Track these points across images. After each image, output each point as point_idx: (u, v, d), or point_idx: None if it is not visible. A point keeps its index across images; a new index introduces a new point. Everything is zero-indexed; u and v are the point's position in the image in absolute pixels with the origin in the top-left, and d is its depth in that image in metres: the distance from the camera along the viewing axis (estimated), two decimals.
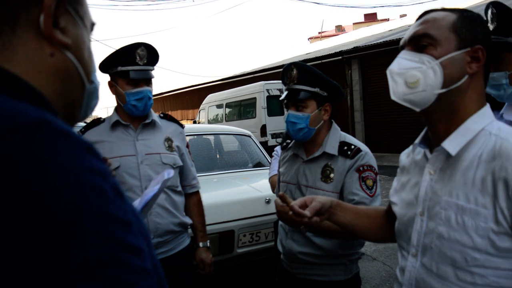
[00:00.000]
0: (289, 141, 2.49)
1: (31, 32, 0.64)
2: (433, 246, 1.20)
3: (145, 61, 2.48)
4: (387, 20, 47.92)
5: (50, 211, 0.48)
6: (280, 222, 2.42)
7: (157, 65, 2.63)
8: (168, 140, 2.60)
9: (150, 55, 2.52)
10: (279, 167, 2.54)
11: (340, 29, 67.40)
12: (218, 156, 5.59)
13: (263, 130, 12.22)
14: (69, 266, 0.48)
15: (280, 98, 2.32)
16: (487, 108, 1.25)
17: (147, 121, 2.56)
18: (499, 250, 1.09)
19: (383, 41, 14.02)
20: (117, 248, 0.52)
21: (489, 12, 1.91)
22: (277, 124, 12.09)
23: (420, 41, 1.23)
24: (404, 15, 35.88)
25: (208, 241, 2.76)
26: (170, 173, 1.49)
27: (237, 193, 4.23)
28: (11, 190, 0.47)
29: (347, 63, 14.58)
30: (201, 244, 2.72)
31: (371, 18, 64.52)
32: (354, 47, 14.63)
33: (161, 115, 2.74)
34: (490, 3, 1.91)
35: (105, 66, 2.51)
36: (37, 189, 0.48)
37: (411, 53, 1.25)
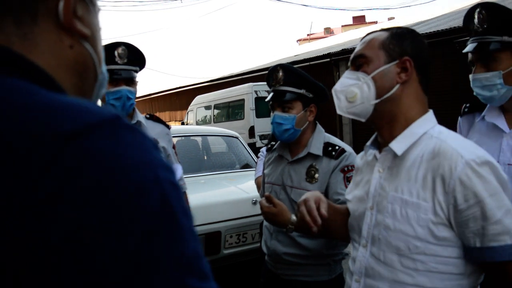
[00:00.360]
0: (274, 142, 2.50)
1: (50, 22, 0.61)
2: (381, 236, 1.34)
3: (125, 61, 2.45)
4: (375, 22, 48.25)
5: (147, 210, 0.47)
6: (264, 223, 2.42)
7: (145, 66, 2.61)
8: (154, 141, 2.59)
9: (132, 54, 2.49)
10: (264, 169, 2.54)
11: (328, 31, 67.67)
12: (205, 158, 5.59)
13: (252, 131, 12.22)
14: (177, 263, 0.48)
15: (266, 100, 2.33)
16: (430, 114, 1.41)
17: (132, 122, 2.53)
18: (438, 239, 1.24)
19: None
20: (198, 242, 0.53)
21: (477, 14, 1.95)
22: (266, 125, 12.08)
23: (357, 61, 1.42)
24: (392, 18, 36.12)
25: None
26: (178, 168, 1.45)
27: (224, 194, 4.24)
28: (101, 189, 0.45)
29: (335, 65, 14.63)
30: None
31: (359, 20, 64.84)
32: (343, 49, 14.68)
33: (147, 116, 2.72)
34: (478, 4, 1.95)
35: None
36: (130, 188, 0.47)
37: (351, 72, 1.43)
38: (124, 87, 2.44)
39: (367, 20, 65.36)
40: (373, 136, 1.51)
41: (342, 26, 67.18)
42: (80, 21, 0.64)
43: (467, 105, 2.20)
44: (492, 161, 1.22)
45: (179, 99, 24.59)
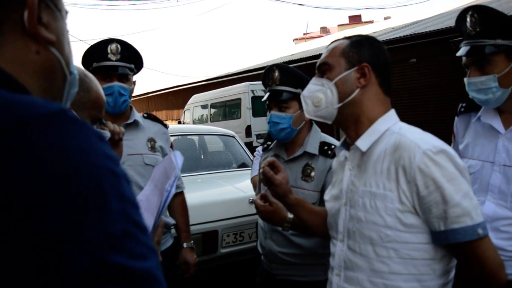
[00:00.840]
0: (270, 142, 2.51)
1: (16, 31, 0.65)
2: (355, 229, 1.44)
3: (118, 57, 2.45)
4: (372, 22, 48.32)
5: (76, 190, 0.51)
6: (259, 223, 2.43)
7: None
8: (151, 140, 2.58)
9: (125, 51, 2.48)
10: (260, 168, 2.55)
11: (325, 30, 67.73)
12: (202, 157, 5.59)
13: (248, 130, 12.21)
14: (99, 239, 0.51)
15: (263, 99, 2.34)
16: (391, 113, 1.52)
17: (129, 121, 2.53)
18: (406, 226, 1.33)
19: None
20: (132, 225, 0.56)
21: (469, 17, 1.95)
22: (262, 124, 12.08)
23: (321, 68, 1.55)
24: (388, 18, 36.17)
25: (192, 241, 2.75)
26: (176, 155, 1.41)
27: (221, 194, 4.25)
28: (38, 173, 0.49)
29: None
30: (185, 245, 2.70)
31: (355, 20, 64.90)
32: None
33: (145, 115, 2.71)
34: (470, 7, 1.95)
35: (84, 63, 2.49)
36: (62, 171, 0.51)
37: (317, 78, 1.56)
38: (116, 83, 2.42)
39: (363, 19, 65.41)
40: (342, 138, 1.63)
41: (338, 25, 67.28)
42: (45, 27, 0.68)
43: (463, 104, 2.20)
44: (448, 149, 1.33)
45: (176, 98, 24.56)
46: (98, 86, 1.57)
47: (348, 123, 1.53)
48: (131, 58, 2.53)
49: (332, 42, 1.59)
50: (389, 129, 1.46)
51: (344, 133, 1.58)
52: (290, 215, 1.88)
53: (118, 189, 0.56)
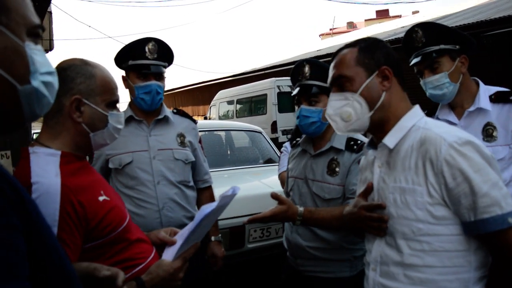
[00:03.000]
0: (298, 138, 2.52)
1: None
2: (388, 225, 1.46)
3: (155, 56, 2.50)
4: (399, 16, 47.53)
5: None
6: None
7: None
8: (181, 135, 2.62)
9: (161, 50, 2.54)
10: (288, 164, 2.56)
11: (351, 25, 66.93)
12: (229, 152, 5.62)
13: (274, 126, 12.21)
14: None
15: (293, 94, 2.35)
16: (416, 108, 1.54)
17: (160, 116, 2.58)
18: (437, 219, 1.35)
19: (395, 38, 13.88)
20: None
21: (414, 34, 2.37)
22: (288, 120, 12.07)
23: (338, 82, 1.55)
24: (417, 12, 35.59)
25: (220, 235, 2.78)
26: (236, 189, 1.53)
27: (248, 189, 4.25)
28: None
29: None
30: (213, 238, 2.74)
31: (383, 14, 64.01)
32: None
33: (174, 110, 2.76)
34: (414, 26, 2.40)
35: (118, 61, 2.54)
36: None
37: (336, 94, 1.56)
38: (154, 82, 2.49)
39: (391, 14, 64.46)
40: (370, 137, 1.66)
41: (365, 20, 66.41)
42: None
43: (426, 111, 2.48)
44: (474, 140, 1.35)
45: (202, 94, 24.71)
46: (103, 70, 1.59)
47: (378, 126, 1.54)
48: (166, 56, 2.59)
49: (337, 54, 1.61)
50: (415, 124, 1.48)
51: (372, 134, 1.61)
52: (301, 208, 1.97)
53: None
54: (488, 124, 2.28)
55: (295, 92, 2.32)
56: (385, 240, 1.49)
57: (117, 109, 1.65)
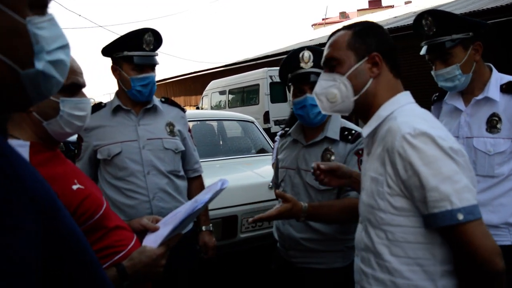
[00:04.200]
0: (287, 128, 2.49)
1: None
2: (361, 212, 1.52)
3: (151, 47, 2.48)
4: (392, 7, 47.52)
5: None
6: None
7: (160, 50, 2.63)
8: (170, 125, 2.60)
9: (156, 41, 2.52)
10: (277, 154, 2.53)
11: (344, 15, 66.80)
12: (221, 142, 5.60)
13: (266, 116, 12.19)
14: None
15: (290, 83, 2.29)
16: (398, 96, 1.51)
17: (149, 106, 2.55)
18: (397, 209, 1.36)
19: (388, 28, 13.87)
20: None
21: (424, 21, 2.30)
22: (280, 110, 12.07)
23: (329, 63, 1.56)
24: (409, 2, 35.54)
25: (211, 224, 2.77)
26: (224, 183, 1.52)
27: (241, 179, 4.25)
28: None
29: None
30: (204, 228, 2.73)
31: (375, 4, 63.97)
32: None
33: (163, 99, 2.73)
34: (424, 13, 2.31)
35: (110, 50, 2.50)
36: None
37: (326, 74, 1.57)
38: (152, 74, 2.49)
39: (383, 4, 64.42)
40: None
41: (358, 10, 66.36)
42: None
43: (436, 94, 2.56)
44: (430, 132, 1.30)
45: (194, 84, 24.62)
46: None
47: (364, 112, 1.55)
48: (158, 46, 2.58)
49: (333, 34, 1.60)
50: (392, 113, 1.46)
51: (360, 119, 1.62)
52: (305, 204, 1.97)
53: None
54: (493, 114, 2.23)
55: (295, 81, 2.24)
56: (362, 227, 1.52)
57: (80, 94, 1.57)
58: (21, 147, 1.40)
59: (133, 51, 2.43)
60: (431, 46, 2.29)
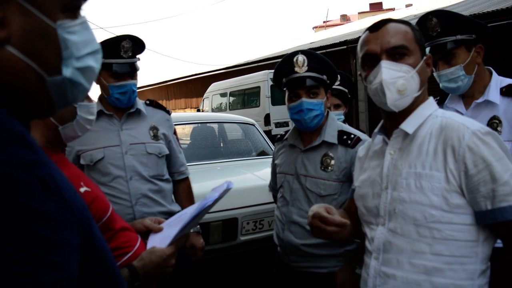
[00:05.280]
0: (283, 133, 2.48)
1: None
2: (397, 211, 1.44)
3: (129, 54, 2.45)
4: (393, 9, 47.60)
5: None
6: (276, 214, 2.40)
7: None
8: (154, 128, 2.58)
9: (136, 47, 2.49)
10: (274, 159, 2.51)
11: (345, 18, 66.86)
12: (222, 145, 5.59)
13: (267, 119, 12.18)
14: None
15: (285, 87, 2.27)
16: (431, 99, 1.55)
17: (132, 110, 2.54)
18: (451, 206, 1.34)
19: None
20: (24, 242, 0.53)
21: (428, 22, 2.28)
22: (281, 113, 12.04)
23: (398, 51, 1.45)
24: (410, 5, 35.59)
25: (199, 226, 2.73)
26: (230, 184, 1.51)
27: (241, 181, 4.23)
28: None
29: (352, 52, 14.48)
30: (192, 230, 2.70)
31: (376, 7, 64.02)
32: (359, 37, 14.50)
33: (147, 102, 2.71)
34: (429, 13, 2.30)
35: None
36: None
37: (393, 63, 1.45)
38: (129, 81, 2.45)
39: (384, 7, 64.50)
40: (380, 123, 1.63)
41: (359, 13, 66.40)
42: None
43: (437, 98, 2.50)
44: (493, 132, 1.37)
45: (195, 86, 24.60)
46: None
47: (405, 110, 1.49)
48: (139, 51, 2.55)
49: (388, 23, 1.48)
50: (432, 114, 1.49)
51: (391, 118, 1.54)
52: None
53: (13, 199, 0.53)
54: (494, 117, 2.23)
55: (290, 85, 2.22)
56: (388, 227, 1.46)
57: (88, 99, 1.61)
58: None
59: (110, 58, 2.40)
60: (435, 47, 2.27)
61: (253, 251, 4.12)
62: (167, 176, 2.64)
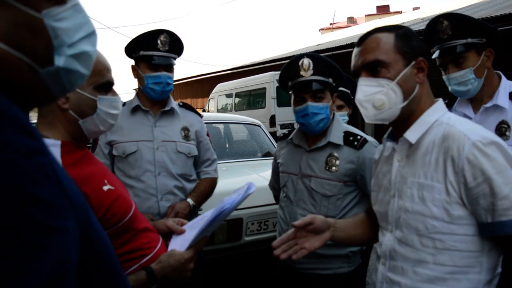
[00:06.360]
0: (286, 132, 2.49)
1: None
2: (401, 219, 1.44)
3: (167, 48, 2.53)
4: (400, 12, 47.48)
5: None
6: (279, 214, 2.41)
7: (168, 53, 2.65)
8: (185, 129, 2.65)
9: (173, 42, 2.57)
10: (277, 158, 2.51)
11: (352, 20, 66.71)
12: (227, 145, 5.60)
13: (272, 120, 12.17)
14: None
15: (291, 91, 2.27)
16: (439, 103, 1.49)
17: (166, 108, 2.61)
18: (453, 218, 1.32)
19: None
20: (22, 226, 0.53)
21: (439, 25, 2.26)
22: (287, 114, 12.02)
23: (372, 66, 1.44)
24: (417, 8, 35.49)
25: (194, 203, 2.65)
26: (251, 187, 1.51)
27: (246, 182, 4.23)
28: None
29: None
30: (188, 199, 2.63)
31: (383, 10, 63.87)
32: None
33: (180, 103, 2.79)
34: (440, 16, 2.28)
35: (128, 50, 2.58)
36: None
37: (369, 79, 1.45)
38: (164, 73, 2.53)
39: (391, 9, 64.33)
40: (390, 129, 1.60)
41: (366, 15, 66.23)
42: None
43: (446, 101, 2.46)
44: (498, 141, 1.31)
45: (201, 86, 24.64)
46: None
47: (404, 119, 1.47)
48: (176, 48, 2.62)
49: (369, 36, 1.49)
50: (437, 120, 1.44)
51: (394, 126, 1.55)
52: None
53: (12, 184, 0.53)
54: (502, 122, 2.22)
55: (296, 88, 2.22)
56: (395, 235, 1.47)
57: (112, 92, 1.56)
58: (52, 146, 1.39)
59: (148, 51, 2.49)
60: (445, 49, 2.26)
61: (258, 251, 4.13)
62: (194, 176, 2.70)
